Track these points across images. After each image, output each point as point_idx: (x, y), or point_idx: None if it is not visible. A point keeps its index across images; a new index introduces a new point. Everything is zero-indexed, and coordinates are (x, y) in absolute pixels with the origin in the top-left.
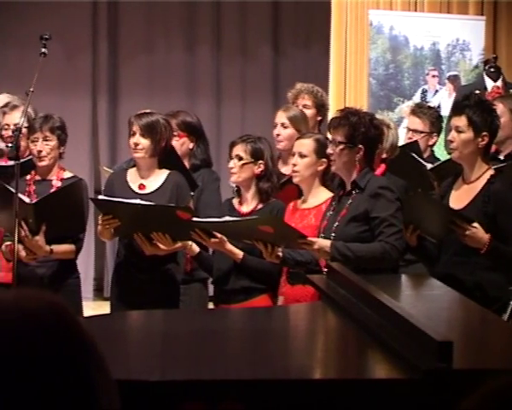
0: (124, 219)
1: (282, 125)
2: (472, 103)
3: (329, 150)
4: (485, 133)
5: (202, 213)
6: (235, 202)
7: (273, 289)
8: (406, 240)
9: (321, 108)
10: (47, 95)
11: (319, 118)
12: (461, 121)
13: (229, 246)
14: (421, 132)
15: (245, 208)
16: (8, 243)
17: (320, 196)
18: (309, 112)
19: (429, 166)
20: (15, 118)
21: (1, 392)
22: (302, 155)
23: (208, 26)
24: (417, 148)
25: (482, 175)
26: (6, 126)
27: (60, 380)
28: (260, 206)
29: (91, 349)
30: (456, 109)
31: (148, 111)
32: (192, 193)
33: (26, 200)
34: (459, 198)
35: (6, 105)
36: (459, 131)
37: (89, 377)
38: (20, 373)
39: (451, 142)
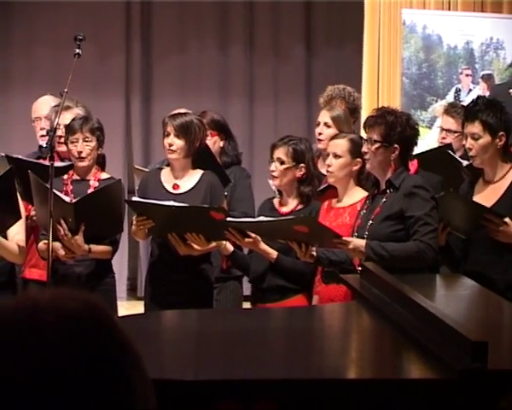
0: (158, 219)
1: (325, 124)
2: (482, 107)
3: (364, 149)
4: (501, 133)
5: (235, 209)
6: (276, 201)
7: (308, 289)
8: None
9: (353, 111)
10: (81, 95)
11: (352, 120)
12: (475, 128)
13: (263, 246)
14: (455, 132)
15: (285, 209)
16: (46, 241)
17: (355, 195)
18: None
19: (465, 162)
20: (66, 118)
21: (38, 393)
22: (337, 156)
23: (241, 26)
24: (451, 148)
25: (506, 174)
26: (58, 126)
27: (98, 380)
28: (300, 207)
29: (129, 349)
30: (469, 116)
31: (182, 111)
32: (226, 193)
33: (67, 199)
34: (485, 198)
35: (59, 105)
36: (475, 138)
37: (127, 377)
38: (58, 374)
39: (470, 149)
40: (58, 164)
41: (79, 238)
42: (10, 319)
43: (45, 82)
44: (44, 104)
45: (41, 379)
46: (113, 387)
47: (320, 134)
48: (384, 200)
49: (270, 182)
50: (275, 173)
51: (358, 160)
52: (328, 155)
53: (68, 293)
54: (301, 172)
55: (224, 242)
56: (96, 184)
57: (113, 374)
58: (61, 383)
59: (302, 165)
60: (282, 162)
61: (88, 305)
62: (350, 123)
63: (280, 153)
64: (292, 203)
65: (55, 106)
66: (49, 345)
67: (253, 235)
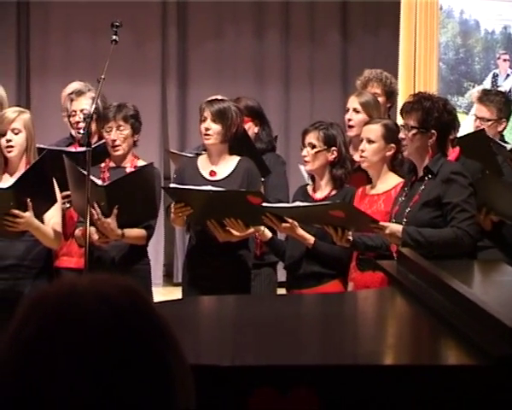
0: (196, 206)
1: (355, 110)
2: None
3: (401, 135)
4: None
5: (270, 196)
6: (310, 188)
7: (344, 274)
8: (481, 224)
9: (390, 95)
10: (117, 82)
11: (388, 105)
12: None
13: (301, 231)
14: (489, 120)
15: (319, 195)
16: (82, 227)
17: (389, 181)
18: (379, 100)
19: (509, 146)
20: (82, 104)
21: (78, 377)
22: (370, 141)
23: (277, 12)
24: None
25: None
26: (73, 113)
27: (136, 365)
28: (334, 192)
29: (167, 334)
30: None
31: (219, 97)
32: (262, 179)
33: (99, 182)
34: None
35: (73, 92)
36: None
37: (165, 362)
38: (97, 359)
39: None
40: (81, 150)
41: (112, 222)
42: (51, 305)
43: (82, 69)
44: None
45: (80, 364)
46: (152, 372)
47: (350, 120)
48: (422, 187)
49: (301, 167)
50: (307, 158)
51: (392, 145)
52: (361, 140)
53: (106, 278)
54: (333, 156)
55: (262, 227)
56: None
57: (152, 359)
58: (100, 367)
59: (334, 148)
60: (314, 146)
61: (126, 290)
62: (379, 108)
63: (311, 137)
64: (325, 189)
65: (69, 93)
66: (89, 330)
67: (291, 220)
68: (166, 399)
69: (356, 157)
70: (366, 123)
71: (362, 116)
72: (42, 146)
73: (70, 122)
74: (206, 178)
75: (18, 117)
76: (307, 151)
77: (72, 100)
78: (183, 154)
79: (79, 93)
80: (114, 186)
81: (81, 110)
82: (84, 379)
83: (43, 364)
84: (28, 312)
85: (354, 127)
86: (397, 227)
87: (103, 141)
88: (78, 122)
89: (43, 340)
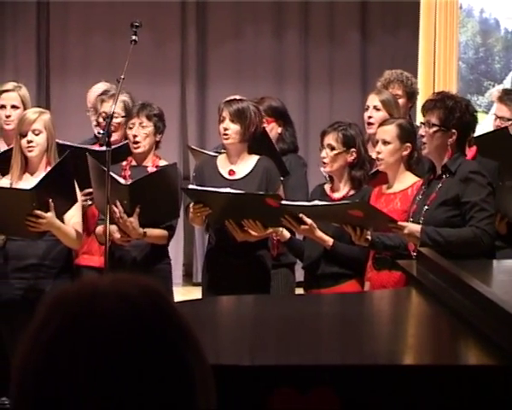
0: (214, 206)
1: (375, 107)
2: None
3: (421, 132)
4: None
5: (289, 198)
6: (327, 187)
7: (361, 274)
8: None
9: (411, 96)
10: (137, 82)
11: (410, 105)
12: None
13: (319, 233)
14: (509, 119)
15: (337, 195)
16: (103, 225)
17: (406, 180)
18: (400, 101)
19: None
20: (111, 106)
21: (99, 377)
22: (385, 142)
23: (296, 12)
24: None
25: None
26: (103, 114)
27: (158, 364)
28: (352, 192)
29: (188, 334)
30: None
31: (237, 97)
32: (282, 178)
33: (122, 181)
34: None
35: (104, 93)
36: None
37: (186, 362)
38: (119, 359)
39: None
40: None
41: (134, 221)
42: (72, 304)
43: (102, 69)
44: (98, 93)
45: (102, 364)
46: (173, 372)
47: (370, 117)
48: (440, 185)
49: (322, 169)
50: (325, 160)
51: (408, 145)
52: (376, 141)
53: (128, 278)
54: (352, 157)
55: (280, 228)
56: (154, 170)
57: (173, 358)
58: (121, 367)
59: (353, 149)
60: (333, 148)
61: (148, 290)
62: (399, 107)
63: (330, 139)
64: (344, 189)
65: (99, 95)
66: (110, 331)
67: (309, 222)
68: (187, 399)
69: (374, 155)
70: (380, 124)
71: (382, 114)
72: (68, 143)
73: (98, 122)
74: (225, 178)
75: (38, 118)
76: (326, 153)
77: (102, 101)
78: (205, 152)
79: (112, 95)
80: (138, 185)
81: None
82: (105, 379)
83: (64, 364)
84: (49, 312)
85: (374, 125)
86: (415, 227)
87: (126, 142)
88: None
89: (65, 340)
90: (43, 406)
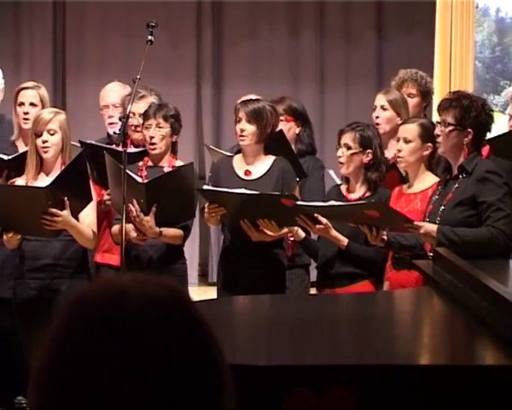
0: (229, 207)
1: (382, 107)
2: None
3: (437, 131)
4: None
5: (305, 200)
6: (343, 188)
7: (376, 275)
8: None
9: (426, 95)
10: (152, 82)
11: (424, 104)
12: None
13: (334, 232)
14: None
15: (353, 196)
16: (119, 225)
17: (426, 180)
18: (414, 100)
19: None
20: (141, 107)
21: (130, 378)
22: (407, 141)
23: (312, 12)
24: None
25: None
26: (131, 115)
27: (190, 366)
28: (368, 194)
29: (211, 334)
30: None
31: (253, 98)
32: (298, 179)
33: (139, 180)
34: None
35: (131, 94)
36: None
37: (215, 362)
38: (149, 360)
39: None
40: (130, 150)
41: (151, 220)
42: (100, 306)
43: (117, 69)
44: (112, 92)
45: (133, 365)
46: (203, 371)
47: (377, 117)
48: (456, 185)
49: (331, 172)
50: (341, 159)
51: (429, 145)
52: (388, 138)
53: (150, 279)
54: (368, 158)
55: (295, 228)
56: (170, 170)
57: (203, 358)
58: (152, 368)
59: (369, 151)
60: (349, 148)
61: (172, 291)
62: (407, 106)
63: (347, 138)
64: (360, 190)
65: (128, 94)
66: (141, 332)
67: (324, 221)
68: (217, 399)
69: (385, 155)
70: (403, 122)
71: (389, 113)
72: (92, 142)
73: (122, 122)
74: (240, 178)
75: (54, 118)
76: (342, 152)
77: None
78: (222, 152)
79: (141, 97)
80: (154, 184)
81: (139, 114)
82: (135, 381)
83: (93, 367)
84: (74, 313)
85: (381, 125)
86: (432, 227)
87: (144, 149)
88: (136, 126)
89: (94, 343)
90: (70, 407)
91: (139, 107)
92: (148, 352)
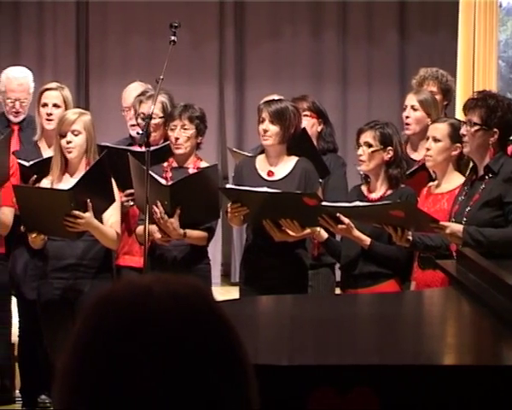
0: (252, 206)
1: (412, 107)
2: None
3: (463, 131)
4: None
5: (329, 198)
6: (364, 188)
7: (400, 274)
8: None
9: (446, 93)
10: (175, 82)
11: (445, 102)
12: None
13: (357, 232)
14: None
15: (374, 195)
16: (143, 226)
17: (454, 181)
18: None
19: None
20: (150, 107)
21: (160, 379)
22: (436, 140)
23: (334, 11)
24: None
25: None
26: (142, 115)
27: (217, 364)
28: (390, 192)
29: (236, 333)
30: None
31: (276, 98)
32: (321, 180)
33: (163, 182)
34: None
35: (143, 94)
36: None
37: (242, 359)
38: (178, 359)
39: None
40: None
41: (175, 221)
42: (125, 305)
43: (140, 69)
44: (133, 93)
45: (162, 364)
46: (235, 369)
47: (407, 117)
48: (483, 186)
49: (358, 168)
50: (362, 157)
51: (458, 145)
52: (419, 139)
53: (174, 278)
54: (389, 155)
55: (318, 228)
56: (195, 171)
57: (227, 355)
58: (181, 367)
59: (390, 148)
60: (370, 146)
61: (198, 289)
62: (437, 106)
63: (367, 137)
64: (381, 189)
65: (138, 95)
66: (166, 329)
67: (347, 221)
68: (241, 396)
69: (414, 156)
70: (432, 121)
71: (420, 114)
72: (108, 144)
73: (138, 123)
74: (263, 179)
75: (78, 119)
76: (363, 150)
77: (141, 102)
78: (245, 153)
79: (150, 96)
80: (178, 186)
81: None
82: (163, 379)
83: (120, 366)
84: (100, 314)
85: (411, 125)
86: (457, 227)
87: (167, 143)
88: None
89: (122, 343)
90: (99, 406)
91: (148, 106)
92: (174, 350)
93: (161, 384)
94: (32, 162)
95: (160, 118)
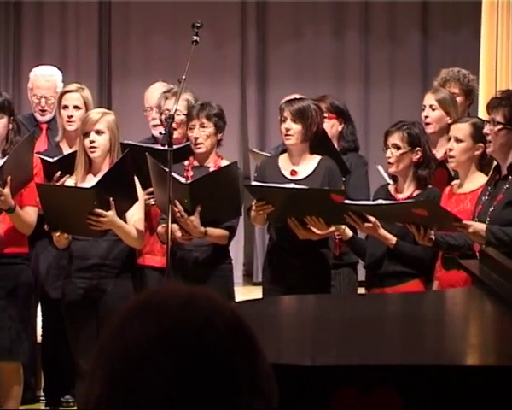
0: (277, 204)
1: (431, 107)
2: None
3: (486, 130)
4: None
5: (351, 197)
6: (392, 188)
7: (425, 274)
8: None
9: (469, 93)
10: (197, 82)
11: (468, 102)
12: None
13: (383, 231)
14: None
15: (401, 195)
16: (165, 224)
17: (476, 180)
18: (458, 99)
19: None
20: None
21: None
22: (458, 140)
23: (356, 11)
24: None
25: None
26: (166, 112)
27: (249, 374)
28: (417, 192)
29: (253, 333)
30: None
31: (298, 97)
32: (343, 178)
33: (182, 180)
34: None
35: (168, 91)
36: None
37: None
38: (218, 366)
39: None
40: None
41: (195, 219)
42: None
43: (162, 69)
44: (155, 93)
45: (202, 369)
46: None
47: (426, 117)
48: (506, 186)
49: (379, 167)
50: (391, 160)
51: (480, 145)
52: (438, 137)
53: (189, 288)
54: (417, 156)
55: (342, 226)
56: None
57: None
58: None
59: (418, 148)
60: (398, 148)
61: (206, 291)
62: (456, 105)
63: (395, 139)
64: (408, 190)
65: (164, 92)
66: (207, 337)
67: (373, 219)
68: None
69: (438, 154)
70: (454, 121)
71: (439, 113)
72: (130, 142)
73: (161, 120)
74: (286, 178)
75: (101, 118)
76: (391, 153)
77: (166, 98)
78: (266, 154)
79: (175, 93)
80: (198, 184)
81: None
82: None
83: (165, 368)
84: (143, 318)
85: (431, 124)
86: (480, 226)
87: (188, 143)
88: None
89: (165, 344)
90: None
91: (173, 103)
92: (215, 356)
93: (188, 387)
94: (56, 158)
95: (184, 115)
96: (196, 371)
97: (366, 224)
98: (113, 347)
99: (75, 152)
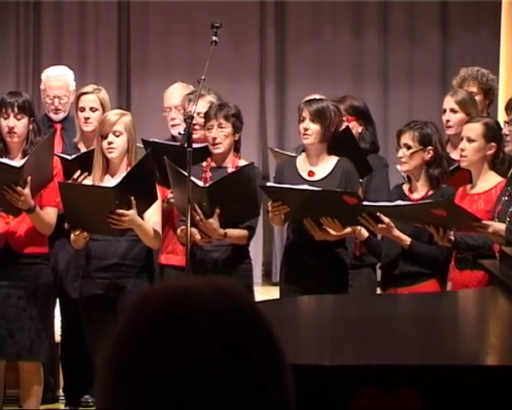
0: (293, 204)
1: (452, 110)
2: None
3: (505, 131)
4: None
5: (371, 199)
6: (406, 188)
7: (441, 274)
8: None
9: (488, 92)
10: (216, 83)
11: (487, 102)
12: None
13: (397, 232)
14: None
15: (416, 195)
16: (184, 226)
17: (489, 180)
18: (476, 98)
19: None
20: (200, 106)
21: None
22: (470, 140)
23: (375, 11)
24: None
25: None
26: (194, 113)
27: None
28: (431, 192)
29: (274, 332)
30: None
31: (317, 97)
32: (361, 180)
33: (200, 183)
34: None
35: (192, 93)
36: None
37: (283, 361)
38: (237, 348)
39: None
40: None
41: (214, 222)
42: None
43: (181, 70)
44: (174, 94)
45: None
46: (272, 367)
47: (448, 121)
48: None
49: (398, 167)
50: (403, 159)
51: (493, 144)
52: (461, 138)
53: (220, 279)
54: (429, 155)
55: (358, 227)
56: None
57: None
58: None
59: (430, 147)
60: (409, 147)
61: (231, 284)
62: (476, 104)
63: (406, 138)
64: (422, 189)
65: (188, 94)
66: (215, 326)
67: (387, 221)
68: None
69: (455, 156)
70: (466, 121)
71: (460, 115)
72: (154, 140)
73: (185, 121)
74: (304, 179)
75: (119, 119)
76: (403, 152)
77: (190, 100)
78: (286, 153)
79: (200, 96)
80: (216, 187)
81: (197, 113)
82: (205, 376)
83: (165, 364)
84: (135, 314)
85: (453, 127)
86: (500, 226)
87: (205, 144)
88: (194, 124)
89: (176, 341)
90: (140, 406)
91: (198, 106)
92: (213, 345)
93: (204, 383)
94: (74, 156)
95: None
96: (216, 366)
97: (380, 225)
98: (119, 341)
99: (92, 150)
